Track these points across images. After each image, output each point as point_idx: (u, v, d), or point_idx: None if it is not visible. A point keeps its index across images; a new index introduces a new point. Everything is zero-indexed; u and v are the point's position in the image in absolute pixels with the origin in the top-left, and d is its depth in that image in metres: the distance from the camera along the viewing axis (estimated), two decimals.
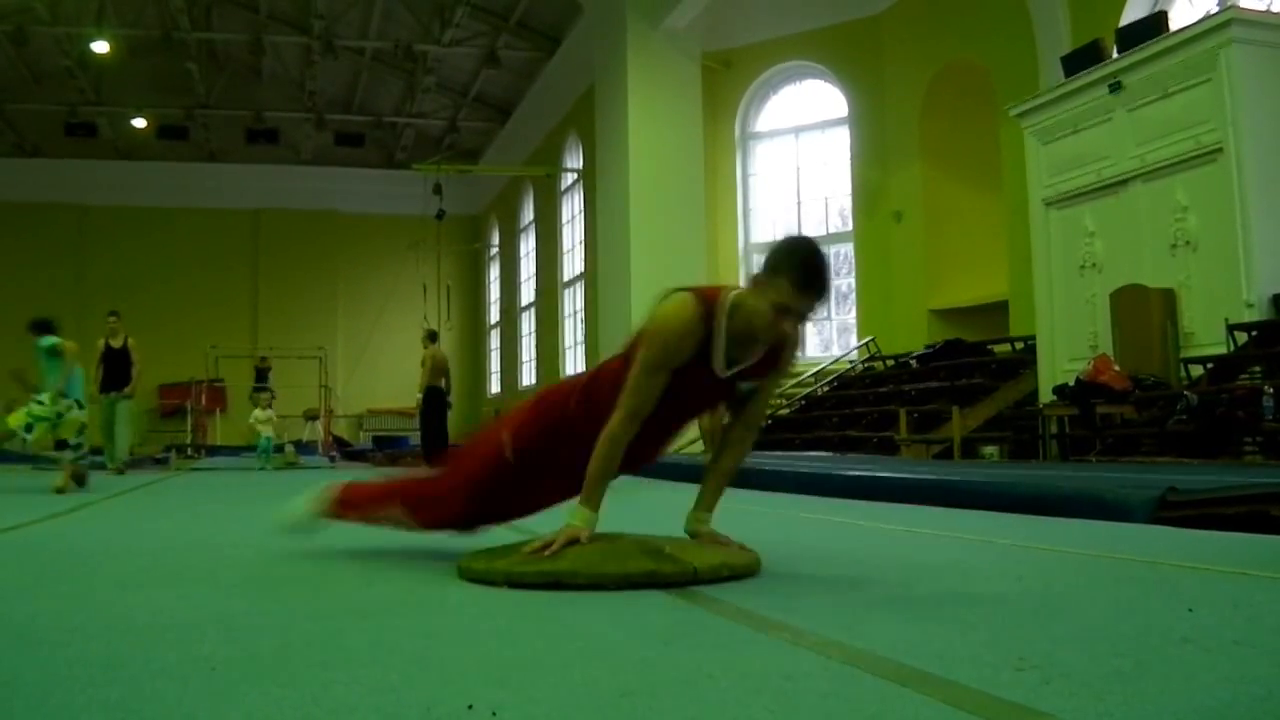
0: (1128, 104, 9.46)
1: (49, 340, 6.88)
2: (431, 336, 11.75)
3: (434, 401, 11.32)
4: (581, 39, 17.89)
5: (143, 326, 21.08)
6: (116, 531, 4.06)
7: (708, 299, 2.36)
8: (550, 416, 2.59)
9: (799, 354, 2.61)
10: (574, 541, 2.31)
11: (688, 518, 2.61)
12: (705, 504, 2.61)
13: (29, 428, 6.52)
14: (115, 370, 10.01)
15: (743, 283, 2.85)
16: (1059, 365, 9.94)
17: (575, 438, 2.45)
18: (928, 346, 13.54)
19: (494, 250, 26.98)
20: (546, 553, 2.29)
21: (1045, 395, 9.58)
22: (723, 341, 2.36)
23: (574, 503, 2.41)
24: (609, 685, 1.37)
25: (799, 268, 2.25)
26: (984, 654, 1.54)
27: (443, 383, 11.42)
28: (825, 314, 17.27)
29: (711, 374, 2.39)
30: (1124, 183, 9.55)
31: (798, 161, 17.40)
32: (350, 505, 2.88)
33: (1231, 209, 8.47)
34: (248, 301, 25.55)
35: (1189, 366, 8.64)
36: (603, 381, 2.51)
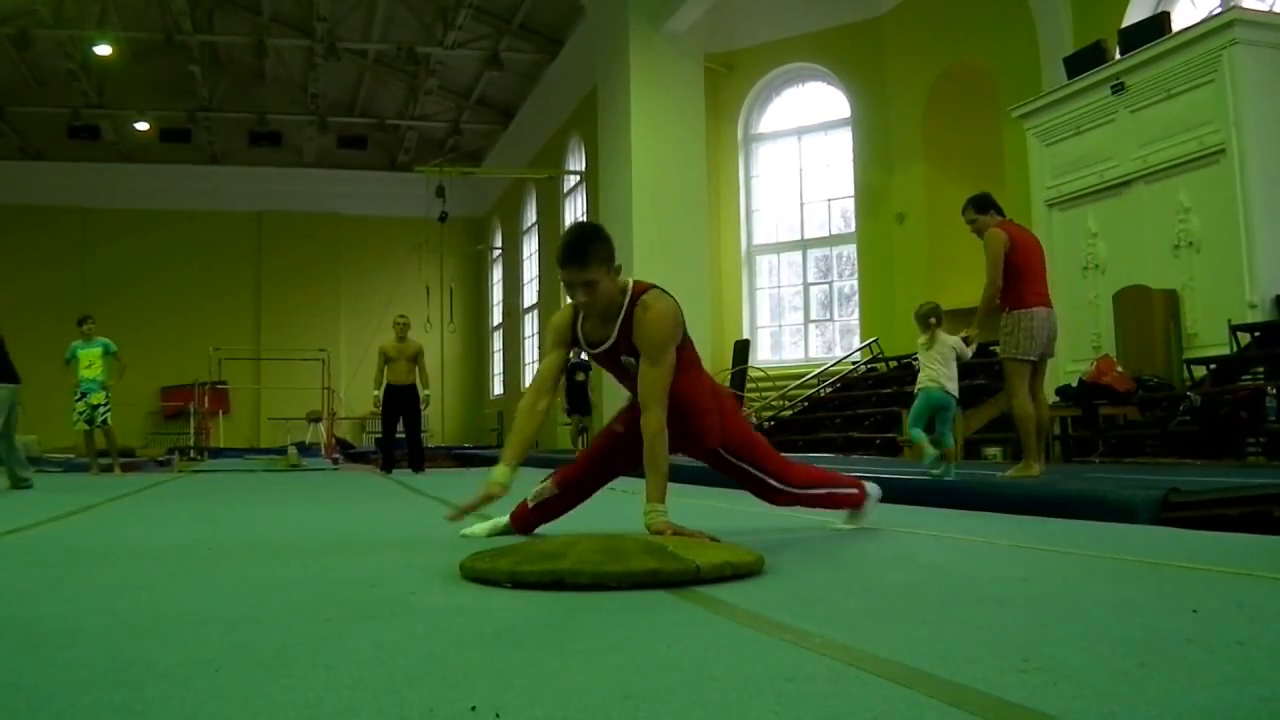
0: (1130, 105, 9.45)
1: None
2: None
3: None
4: (584, 41, 17.91)
5: (145, 329, 21.23)
6: (120, 534, 4.06)
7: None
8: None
9: (662, 322, 2.92)
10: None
11: (643, 512, 2.84)
12: (652, 495, 2.86)
13: None
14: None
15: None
16: (1062, 366, 9.92)
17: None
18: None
19: (497, 252, 27.00)
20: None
21: (1049, 396, 9.55)
22: (581, 323, 3.04)
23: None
24: (611, 686, 1.37)
25: (558, 251, 2.85)
26: (988, 655, 1.53)
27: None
28: (827, 315, 17.29)
29: (596, 354, 3.02)
30: (1127, 184, 9.54)
31: (800, 163, 17.40)
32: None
33: (1234, 210, 8.46)
34: (250, 304, 25.59)
35: (1192, 367, 8.63)
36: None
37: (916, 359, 6.54)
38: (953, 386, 5.84)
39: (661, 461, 2.85)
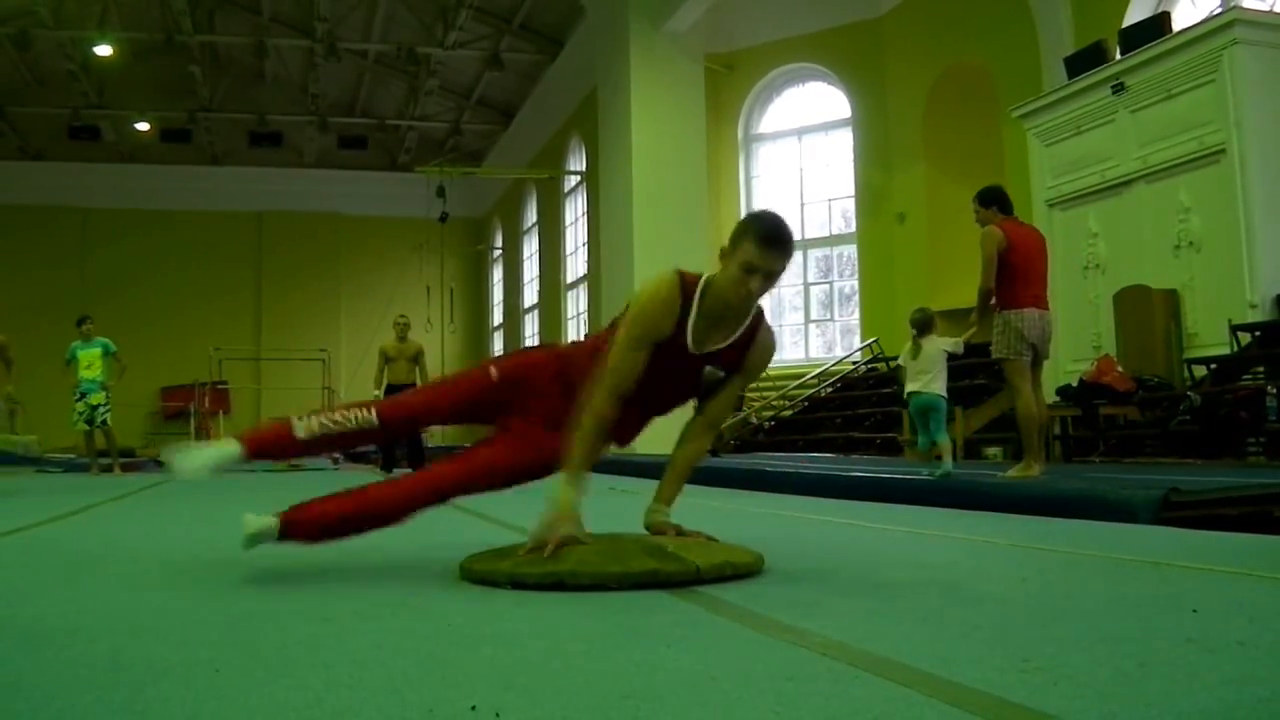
0: (1131, 105, 9.45)
1: None
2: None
3: None
4: (584, 41, 17.91)
5: (145, 329, 21.24)
6: (120, 533, 4.06)
7: (687, 278, 2.52)
8: (531, 371, 2.70)
9: (773, 355, 2.70)
10: (570, 540, 2.34)
11: (646, 510, 2.67)
12: (663, 495, 2.68)
13: None
14: None
15: None
16: (1062, 366, 9.92)
17: (549, 396, 2.59)
18: None
19: (497, 252, 27.00)
20: (545, 554, 2.31)
21: (1048, 396, 9.55)
22: (694, 319, 2.48)
23: (557, 480, 2.45)
24: (612, 686, 1.37)
25: (758, 227, 2.43)
26: (988, 655, 1.53)
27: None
28: (828, 314, 17.29)
29: (684, 354, 2.50)
30: (1127, 184, 9.54)
31: (801, 163, 17.40)
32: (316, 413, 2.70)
33: (1235, 210, 8.46)
34: (251, 304, 25.59)
35: (1192, 367, 8.63)
36: (579, 357, 2.66)
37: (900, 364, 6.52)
38: (938, 387, 5.86)
39: (688, 473, 2.72)
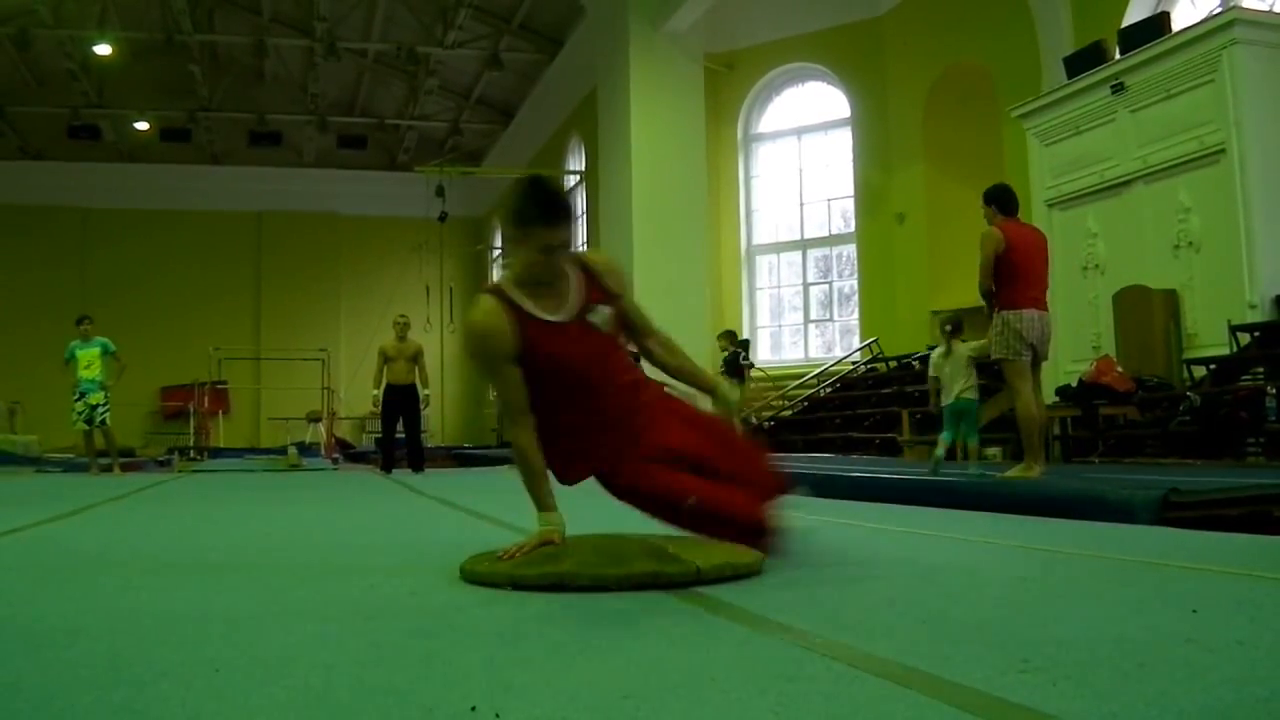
0: (1130, 105, 9.45)
1: None
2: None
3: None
4: (584, 41, 17.90)
5: (145, 329, 21.22)
6: (120, 533, 4.06)
7: (495, 288, 2.51)
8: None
9: (618, 266, 2.70)
10: (548, 542, 2.39)
11: (714, 400, 2.73)
12: (710, 383, 2.77)
13: None
14: None
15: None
16: (1061, 366, 9.93)
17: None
18: (930, 347, 13.50)
19: (496, 252, 27.00)
20: (520, 555, 2.35)
21: (1048, 396, 9.56)
22: (532, 307, 2.47)
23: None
24: (611, 686, 1.37)
25: (541, 211, 2.42)
26: (988, 655, 1.53)
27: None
28: (827, 315, 17.29)
29: (560, 327, 2.49)
30: (1126, 184, 9.54)
31: (800, 163, 17.40)
32: None
33: (1234, 210, 8.46)
34: (250, 304, 25.58)
35: (1191, 367, 8.63)
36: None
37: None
38: (972, 393, 6.19)
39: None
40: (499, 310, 2.45)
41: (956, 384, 6.08)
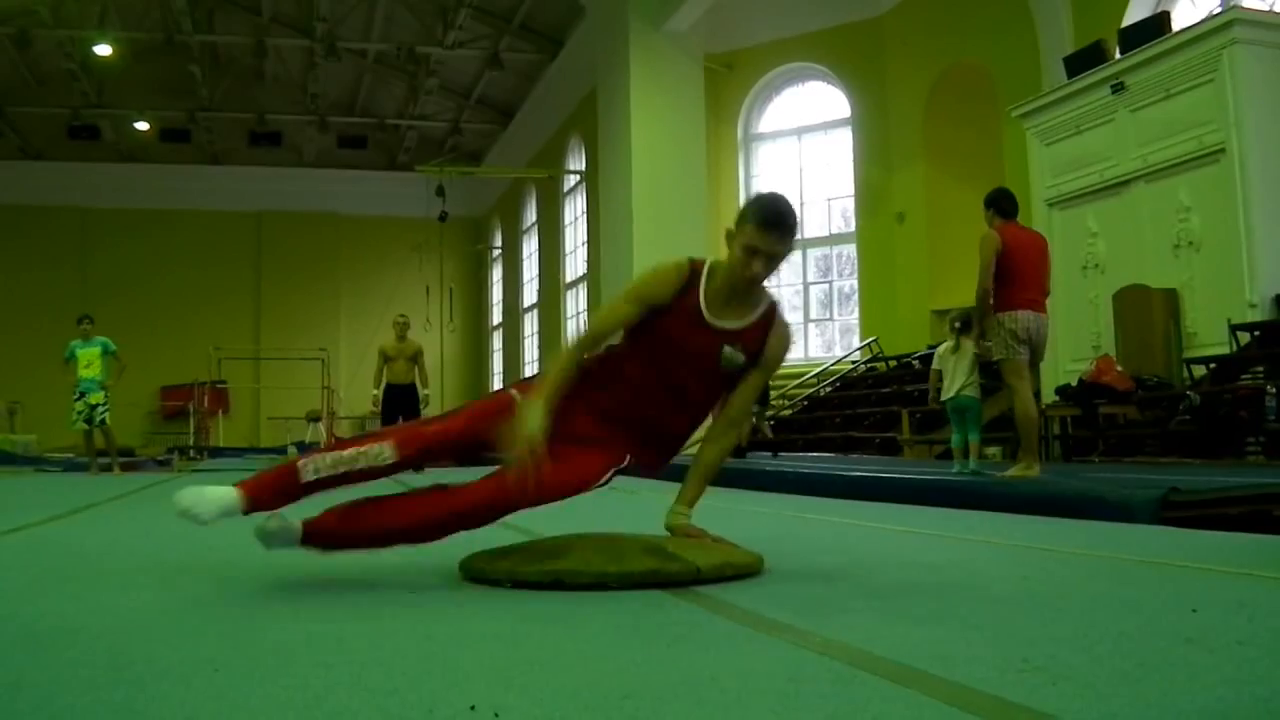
0: (1130, 105, 9.45)
1: None
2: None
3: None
4: (584, 41, 17.90)
5: (145, 329, 21.22)
6: (120, 533, 4.06)
7: (695, 261, 2.56)
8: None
9: (790, 349, 2.69)
10: (532, 445, 2.30)
11: (668, 512, 2.64)
12: (685, 498, 2.66)
13: None
14: None
15: None
16: (1062, 366, 9.93)
17: (574, 415, 2.50)
18: (930, 347, 13.52)
19: (497, 252, 26.99)
20: (513, 458, 2.28)
21: (1048, 396, 9.57)
22: (705, 292, 2.50)
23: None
24: (611, 686, 1.37)
25: (758, 210, 2.48)
26: (987, 655, 1.54)
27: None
28: (827, 314, 17.29)
29: (701, 322, 2.49)
30: (1126, 183, 9.54)
31: (800, 163, 17.40)
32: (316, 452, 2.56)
33: (1234, 209, 8.46)
34: (250, 303, 25.58)
35: (1191, 367, 8.63)
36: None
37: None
38: (974, 390, 6.19)
39: (712, 473, 2.69)
40: (683, 275, 2.51)
41: (958, 380, 6.13)
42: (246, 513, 2.40)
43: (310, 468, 2.43)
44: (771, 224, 2.44)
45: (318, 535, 2.45)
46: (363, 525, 2.44)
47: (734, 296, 2.51)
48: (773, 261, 2.47)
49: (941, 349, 6.42)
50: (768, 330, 2.57)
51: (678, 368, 2.52)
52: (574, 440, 2.47)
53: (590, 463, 2.49)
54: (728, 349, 2.51)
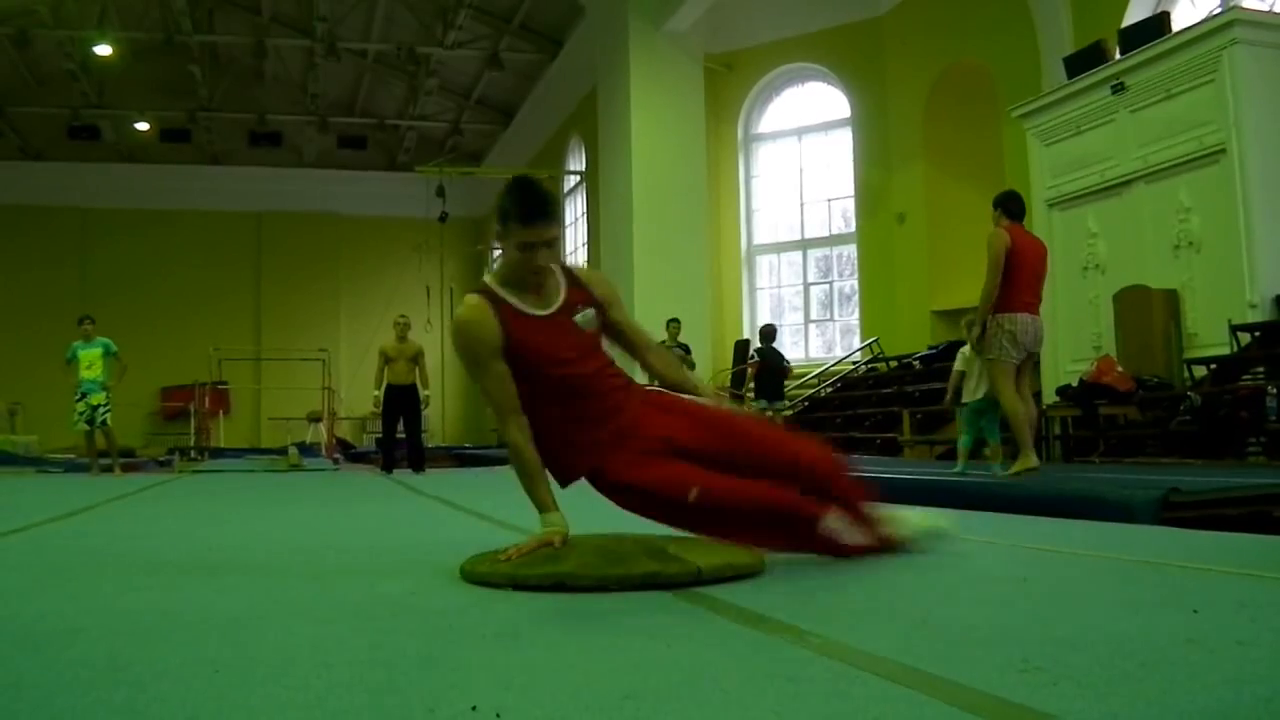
0: (1130, 105, 9.45)
1: None
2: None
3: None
4: (584, 41, 17.90)
5: (145, 329, 21.23)
6: (120, 533, 4.06)
7: (482, 288, 2.57)
8: None
9: (607, 279, 2.77)
10: (548, 544, 2.39)
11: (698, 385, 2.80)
12: (695, 387, 2.77)
13: None
14: None
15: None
16: (1062, 366, 9.93)
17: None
18: (931, 347, 13.53)
19: (497, 252, 26.98)
20: (517, 556, 2.35)
21: (1049, 396, 9.57)
22: (516, 302, 2.52)
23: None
24: (612, 686, 1.37)
25: (516, 206, 2.46)
26: (988, 655, 1.53)
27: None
28: (828, 314, 17.29)
29: (545, 321, 2.53)
30: (1127, 184, 9.54)
31: (800, 163, 17.39)
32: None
33: (1234, 210, 8.46)
34: (250, 304, 25.59)
35: (1192, 367, 8.63)
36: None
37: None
38: (986, 390, 6.23)
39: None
40: (484, 306, 2.51)
41: (985, 383, 6.15)
42: None
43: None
44: (534, 215, 2.46)
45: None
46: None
47: (535, 287, 2.55)
48: (551, 246, 2.51)
49: (965, 350, 6.43)
50: (580, 282, 2.64)
51: (564, 363, 2.53)
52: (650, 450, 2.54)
53: (667, 464, 2.53)
54: (577, 316, 2.57)
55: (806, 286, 17.41)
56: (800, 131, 17.39)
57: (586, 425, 2.55)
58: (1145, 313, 9.04)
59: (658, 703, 1.28)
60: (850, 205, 16.56)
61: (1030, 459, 5.73)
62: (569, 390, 2.54)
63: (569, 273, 2.64)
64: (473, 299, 2.54)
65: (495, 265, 2.60)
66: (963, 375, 6.43)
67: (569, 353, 2.54)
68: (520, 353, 2.50)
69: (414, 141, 24.48)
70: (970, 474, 6.20)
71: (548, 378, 2.52)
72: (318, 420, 19.92)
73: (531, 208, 2.46)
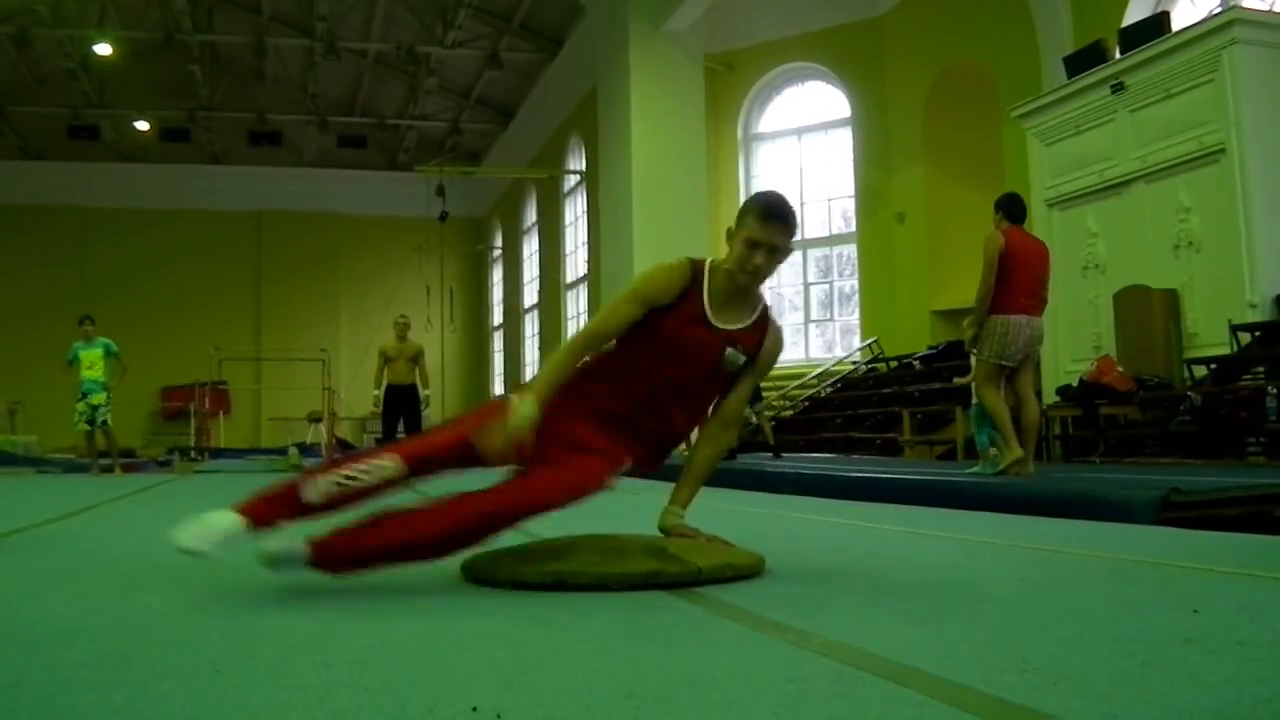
0: (1130, 105, 9.45)
1: None
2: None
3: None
4: (584, 41, 17.90)
5: (145, 329, 21.23)
6: (121, 533, 4.06)
7: (696, 261, 2.57)
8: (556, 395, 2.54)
9: (781, 352, 2.70)
10: (519, 439, 2.29)
11: (661, 513, 2.63)
12: (679, 498, 2.65)
13: None
14: None
15: None
16: (1062, 366, 9.93)
17: (575, 420, 2.47)
18: (931, 347, 13.54)
19: (497, 252, 27.00)
20: (496, 440, 2.27)
21: (1049, 396, 9.57)
22: (708, 292, 2.51)
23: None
24: (613, 686, 1.37)
25: (759, 204, 2.52)
26: (988, 655, 1.54)
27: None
28: (828, 314, 17.29)
29: (704, 323, 2.50)
30: (1126, 183, 9.54)
31: (800, 163, 17.40)
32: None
33: (1234, 209, 8.46)
34: (250, 304, 25.59)
35: (1192, 367, 8.63)
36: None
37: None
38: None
39: (706, 474, 2.70)
40: (685, 272, 2.52)
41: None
42: (251, 531, 2.31)
43: (313, 489, 2.33)
44: (772, 216, 2.48)
45: (326, 557, 2.29)
46: (376, 541, 2.31)
47: (734, 296, 2.53)
48: (774, 255, 2.48)
49: None
50: (764, 332, 2.59)
51: (678, 368, 2.50)
52: (575, 444, 2.44)
53: (591, 466, 2.44)
54: (730, 350, 2.52)
55: (806, 286, 17.41)
56: (800, 131, 17.40)
57: (617, 420, 2.49)
58: (1145, 313, 9.04)
59: (658, 703, 1.28)
60: (850, 205, 16.57)
61: (1015, 451, 5.73)
62: (651, 392, 2.49)
63: (766, 316, 2.60)
64: (684, 260, 2.55)
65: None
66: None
67: (694, 369, 2.52)
68: (663, 329, 2.48)
69: (414, 141, 24.48)
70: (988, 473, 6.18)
71: (653, 368, 2.48)
72: (318, 420, 19.90)
73: (773, 209, 2.50)
